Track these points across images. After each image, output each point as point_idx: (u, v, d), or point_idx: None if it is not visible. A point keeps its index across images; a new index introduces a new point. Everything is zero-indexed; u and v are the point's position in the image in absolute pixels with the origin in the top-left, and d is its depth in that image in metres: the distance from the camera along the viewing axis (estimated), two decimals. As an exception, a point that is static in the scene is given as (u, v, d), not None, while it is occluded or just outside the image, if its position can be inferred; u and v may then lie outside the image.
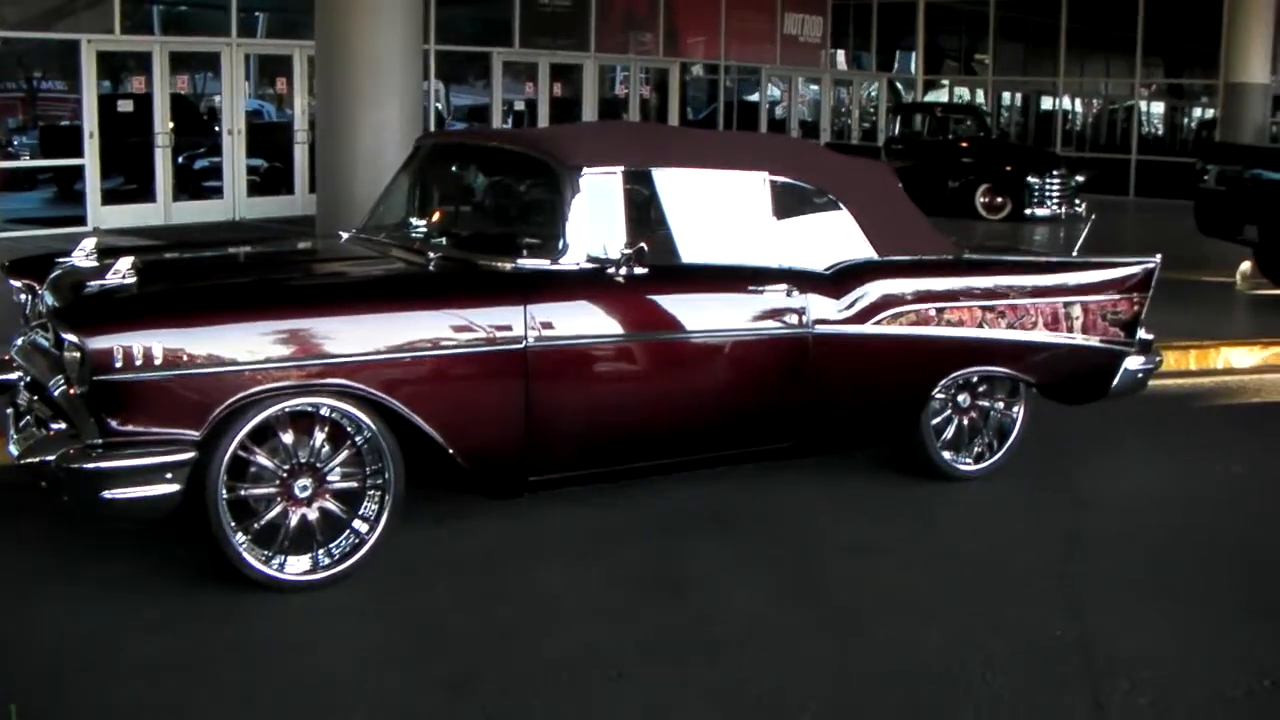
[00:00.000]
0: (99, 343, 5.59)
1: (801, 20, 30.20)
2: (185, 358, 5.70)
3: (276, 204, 20.72)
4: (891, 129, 28.00)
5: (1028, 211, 23.48)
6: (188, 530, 6.08)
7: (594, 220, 6.68)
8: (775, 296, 7.11)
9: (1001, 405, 8.13)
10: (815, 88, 32.27)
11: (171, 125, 19.45)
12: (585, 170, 6.72)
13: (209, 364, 5.75)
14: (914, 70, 34.32)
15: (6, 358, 7.10)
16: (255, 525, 6.01)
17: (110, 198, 18.95)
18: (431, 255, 6.94)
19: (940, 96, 34.57)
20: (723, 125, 28.24)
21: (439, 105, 23.20)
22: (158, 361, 5.64)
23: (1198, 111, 32.78)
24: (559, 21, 24.75)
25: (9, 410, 6.92)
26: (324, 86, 13.18)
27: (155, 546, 6.53)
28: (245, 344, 5.83)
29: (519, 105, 24.82)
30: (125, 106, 19.30)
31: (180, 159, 19.99)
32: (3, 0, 17.60)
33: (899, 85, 34.44)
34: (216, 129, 20.50)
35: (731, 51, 28.40)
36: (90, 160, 18.49)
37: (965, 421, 8.02)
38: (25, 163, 18.99)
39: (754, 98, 30.22)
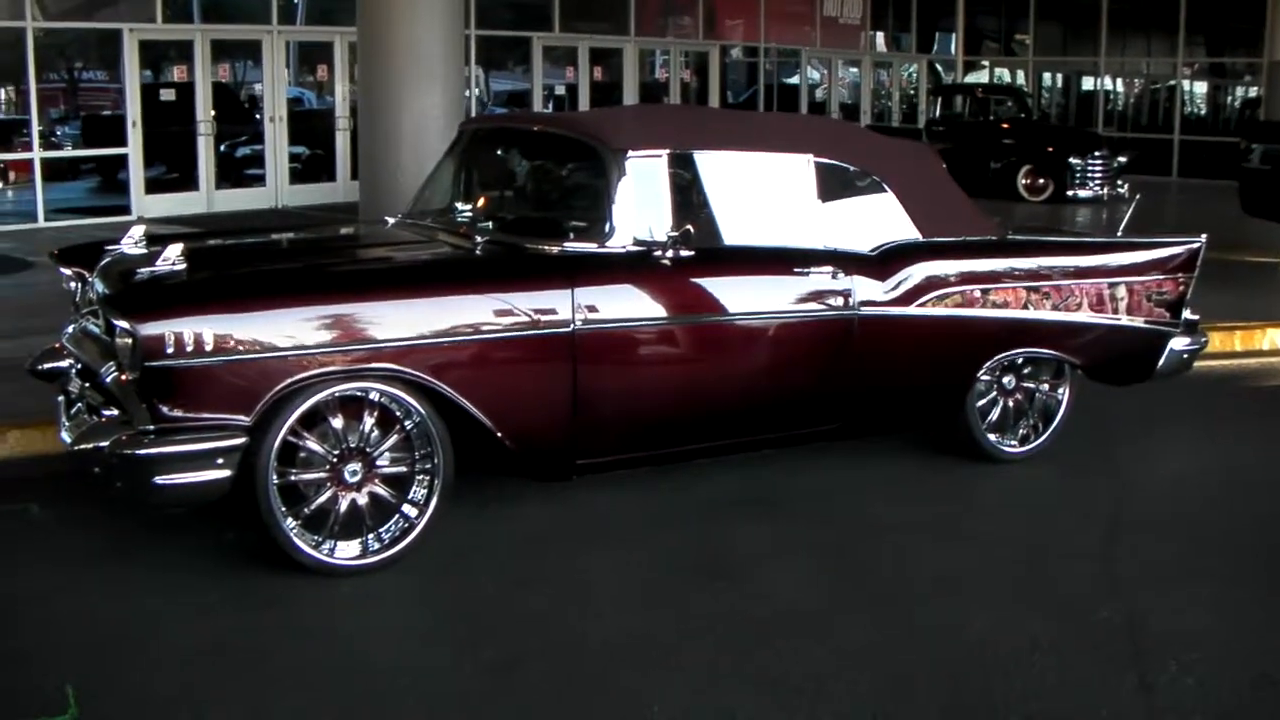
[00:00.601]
0: (150, 329, 5.64)
1: (841, 2, 30.08)
2: (235, 343, 5.74)
3: (318, 191, 20.78)
4: (932, 111, 27.89)
5: (1070, 193, 23.33)
6: (238, 515, 6.14)
7: (640, 203, 6.69)
8: (821, 278, 7.12)
9: (1046, 387, 8.12)
10: (855, 70, 32.16)
11: (213, 113, 19.51)
12: (631, 153, 6.73)
13: (259, 349, 5.79)
14: (954, 51, 34.17)
15: (57, 345, 7.16)
16: (305, 510, 6.06)
17: (153, 186, 19.05)
18: (478, 239, 6.96)
19: (980, 77, 34.42)
20: (763, 108, 28.16)
21: (478, 91, 23.20)
22: (208, 347, 5.68)
23: (1241, 90, 32.52)
24: (598, 6, 24.75)
25: (59, 398, 6.95)
26: (366, 73, 13.27)
27: (206, 532, 6.59)
28: (295, 329, 5.87)
29: (559, 90, 24.84)
30: (167, 95, 19.42)
31: (222, 147, 20.06)
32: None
33: (939, 67, 34.28)
34: (258, 117, 20.57)
35: (771, 34, 28.33)
36: (134, 149, 18.58)
37: (1010, 403, 8.01)
38: (69, 152, 19.14)
39: (794, 80, 30.14)
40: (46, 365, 7.09)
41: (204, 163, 19.56)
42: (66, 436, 6.49)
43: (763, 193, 7.25)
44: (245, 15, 20.25)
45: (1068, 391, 8.14)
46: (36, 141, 17.77)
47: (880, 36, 32.71)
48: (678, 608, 5.91)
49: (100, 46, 19.05)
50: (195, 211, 18.81)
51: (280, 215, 19.21)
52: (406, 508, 6.25)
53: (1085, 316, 7.92)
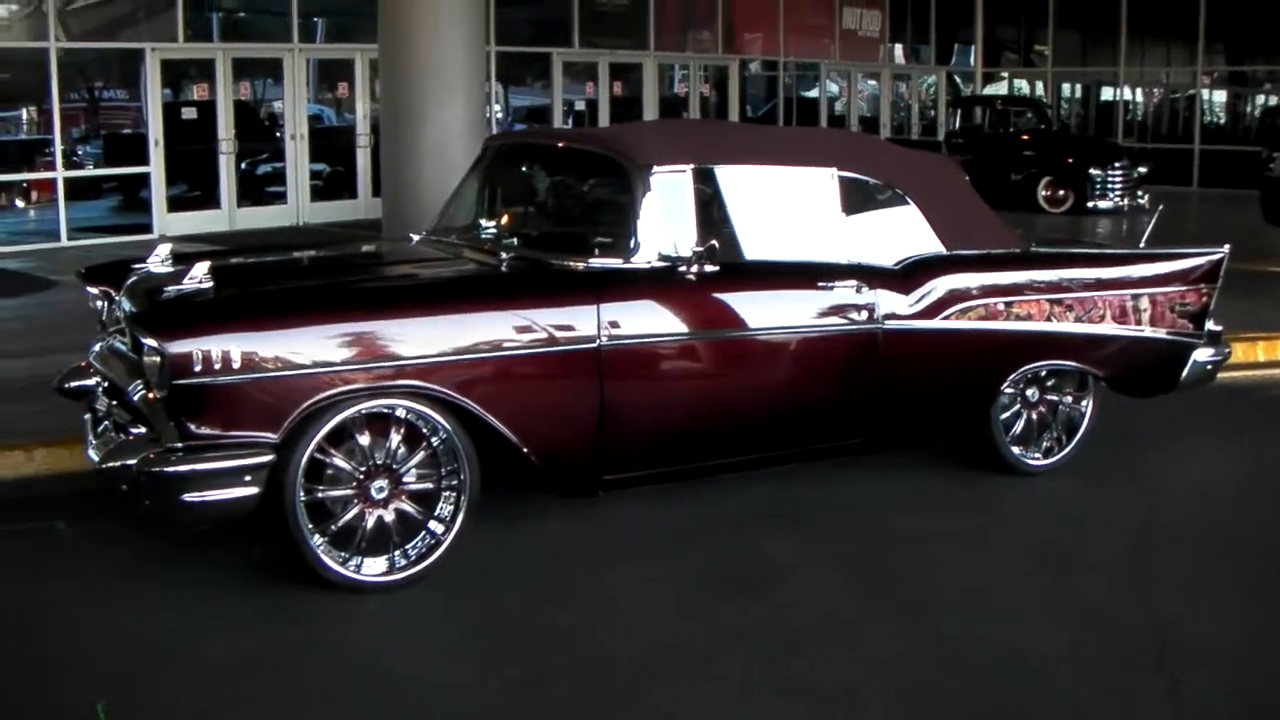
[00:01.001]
0: (178, 347, 5.67)
1: (860, 14, 30.11)
2: (263, 361, 5.77)
3: (339, 208, 20.85)
4: (952, 123, 27.89)
5: (1090, 204, 23.30)
6: (265, 532, 6.16)
7: (665, 219, 6.71)
8: (845, 292, 7.13)
9: (1070, 399, 8.11)
10: (874, 82, 32.18)
11: (234, 131, 19.58)
12: (656, 169, 6.75)
13: (286, 367, 5.81)
14: (973, 63, 34.17)
15: (84, 364, 7.21)
16: (332, 527, 6.08)
17: (175, 205, 19.14)
18: (503, 255, 6.99)
19: (999, 89, 34.42)
20: (782, 121, 28.19)
21: (498, 107, 23.26)
22: (236, 365, 5.71)
23: (1261, 99, 32.47)
24: (618, 21, 24.80)
25: (86, 416, 6.98)
26: (388, 89, 13.31)
27: (232, 548, 6.61)
28: (322, 347, 5.89)
29: (579, 105, 24.88)
30: (189, 114, 19.50)
31: (243, 165, 20.12)
32: (66, 12, 17.78)
33: (958, 78, 34.28)
34: (278, 134, 20.65)
35: (790, 48, 28.37)
36: (156, 168, 18.68)
37: (1034, 416, 8.01)
38: (92, 171, 19.22)
39: (813, 93, 30.15)
40: (73, 383, 7.16)
41: (225, 181, 19.63)
42: (94, 454, 6.50)
43: (786, 207, 7.27)
44: (266, 34, 20.35)
45: (1091, 403, 8.13)
46: (60, 161, 17.85)
47: (899, 49, 32.71)
48: (706, 620, 5.92)
49: (122, 66, 19.15)
50: (217, 230, 18.87)
51: (302, 233, 19.26)
52: (433, 524, 6.27)
53: (1108, 328, 7.91)
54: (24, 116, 19.25)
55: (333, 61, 21.46)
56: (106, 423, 6.73)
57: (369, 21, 19.30)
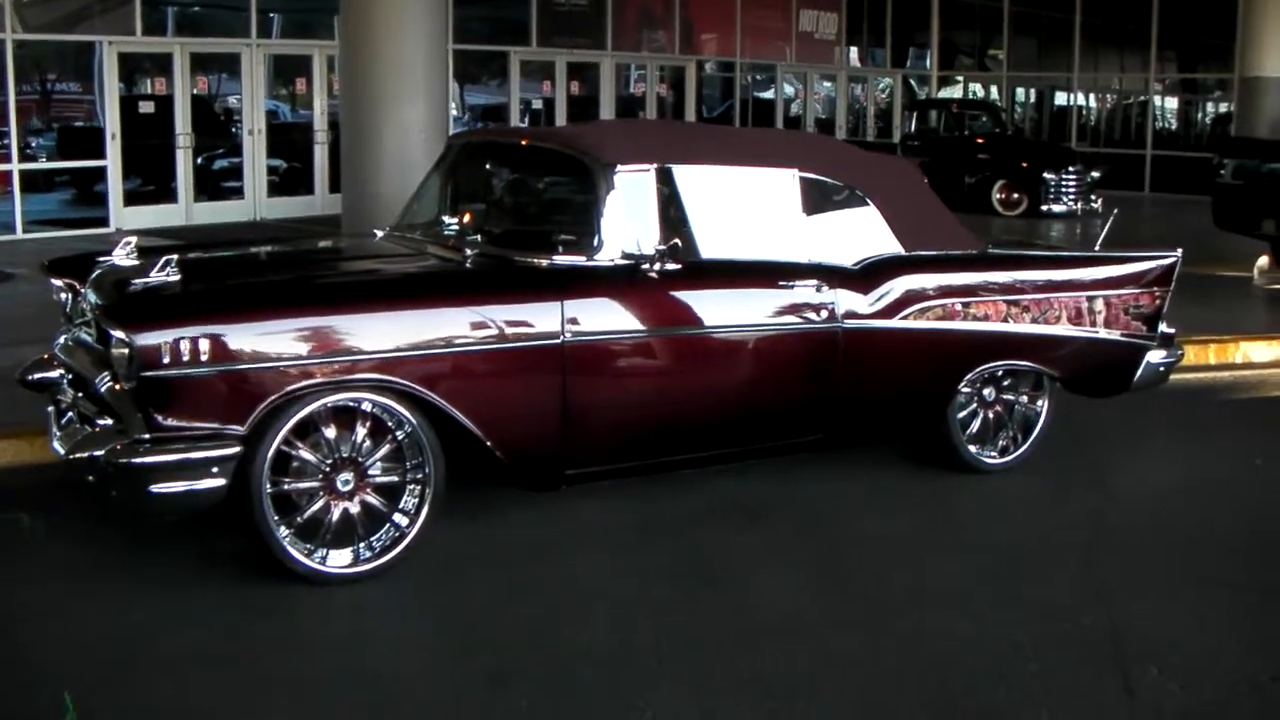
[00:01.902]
0: (147, 339, 5.70)
1: (816, 17, 30.21)
2: (230, 354, 5.81)
3: (296, 204, 20.80)
4: (907, 125, 28.05)
5: (1044, 207, 23.52)
6: (230, 524, 6.19)
7: (628, 217, 6.78)
8: (805, 291, 7.21)
9: (1026, 399, 8.21)
10: (830, 84, 32.30)
11: (191, 126, 19.52)
12: (619, 168, 6.81)
13: (254, 360, 5.85)
14: (929, 66, 34.31)
15: (47, 356, 7.21)
16: (298, 519, 6.12)
17: (132, 199, 19.05)
18: (468, 252, 7.02)
19: (955, 93, 34.62)
20: (739, 122, 28.25)
21: (454, 105, 23.25)
22: (204, 357, 5.74)
23: (1213, 106, 32.77)
24: (575, 20, 24.82)
25: (50, 408, 6.99)
26: (349, 87, 13.30)
27: (198, 540, 6.63)
28: (289, 340, 5.94)
29: (536, 104, 24.90)
30: (146, 108, 19.39)
31: (200, 160, 20.05)
32: (23, 3, 17.70)
33: (913, 82, 34.43)
34: (235, 130, 20.60)
35: (747, 49, 28.43)
36: (112, 162, 18.59)
37: (990, 415, 8.10)
38: (47, 164, 19.06)
39: (769, 95, 30.25)
40: (36, 375, 7.15)
41: (182, 175, 19.56)
42: (59, 446, 6.51)
43: (748, 207, 7.33)
44: (224, 29, 20.30)
45: (1047, 403, 8.24)
46: (15, 153, 17.75)
47: (855, 51, 32.82)
48: (667, 615, 5.98)
49: (78, 58, 19.05)
50: (173, 224, 18.75)
51: (261, 228, 19.22)
52: (398, 517, 6.32)
53: (1064, 330, 8.02)
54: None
55: (290, 57, 21.40)
56: (71, 415, 6.74)
57: (327, 18, 19.39)
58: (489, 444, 6.35)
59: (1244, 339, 12.05)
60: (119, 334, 5.78)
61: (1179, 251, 8.39)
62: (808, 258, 7.33)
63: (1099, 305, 8.11)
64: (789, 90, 30.99)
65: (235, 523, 6.11)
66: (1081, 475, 8.18)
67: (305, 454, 6.10)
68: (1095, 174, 24.38)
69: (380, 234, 7.94)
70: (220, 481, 5.83)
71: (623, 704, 5.16)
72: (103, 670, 5.36)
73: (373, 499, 6.28)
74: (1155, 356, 8.39)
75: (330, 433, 6.13)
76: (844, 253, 7.48)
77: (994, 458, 8.12)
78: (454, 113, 22.55)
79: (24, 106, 18.33)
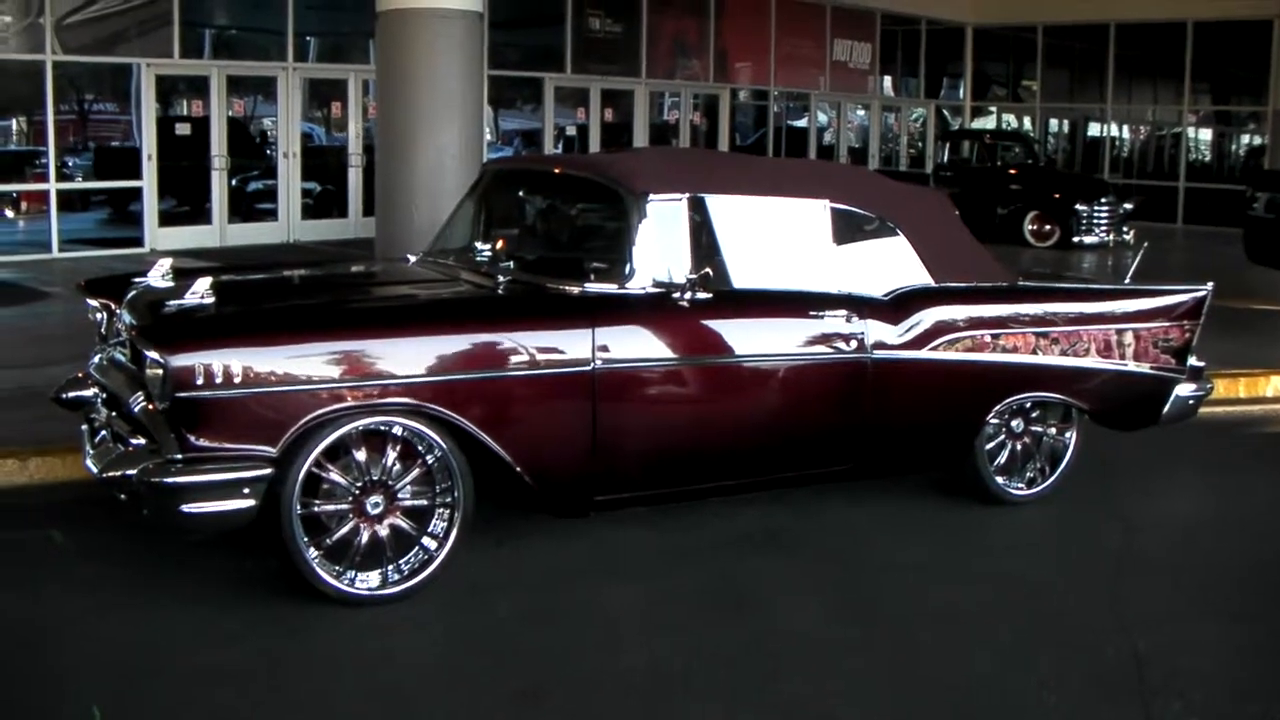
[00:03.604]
0: (181, 360, 5.75)
1: (850, 46, 30.29)
2: (263, 376, 5.86)
3: (330, 227, 20.94)
4: (940, 156, 28.04)
5: (1076, 239, 23.45)
6: (260, 544, 6.24)
7: (659, 245, 6.82)
8: (835, 321, 7.23)
9: (1054, 431, 8.21)
10: (863, 113, 32.35)
11: (227, 148, 19.67)
12: (652, 196, 6.86)
13: (286, 382, 5.91)
14: (962, 96, 34.35)
15: (81, 374, 7.29)
16: (327, 541, 6.16)
17: (166, 220, 19.23)
18: (500, 278, 7.06)
19: (988, 123, 34.61)
20: (771, 151, 28.35)
21: (488, 130, 23.33)
22: (237, 380, 5.80)
23: (1246, 138, 32.70)
24: (610, 47, 24.93)
25: (84, 426, 7.06)
26: (384, 111, 13.37)
27: (228, 560, 6.69)
28: (321, 364, 5.99)
29: (570, 130, 25.00)
30: (182, 129, 19.57)
31: (234, 181, 20.20)
32: (63, 25, 17.86)
33: (946, 112, 34.47)
34: (269, 152, 20.77)
35: (780, 78, 28.53)
36: (148, 182, 18.77)
37: (1018, 446, 8.10)
38: (83, 184, 19.21)
39: (802, 123, 30.33)
40: (71, 394, 7.22)
41: (217, 197, 19.73)
42: (92, 464, 6.58)
43: (779, 237, 7.36)
44: (260, 52, 20.45)
45: (1075, 435, 8.24)
46: (53, 173, 17.91)
47: (888, 81, 32.90)
48: (692, 641, 6.00)
49: (116, 80, 19.22)
50: (208, 245, 18.96)
51: (294, 250, 19.32)
52: (426, 540, 6.36)
53: (1093, 362, 8.02)
54: (14, 127, 19.30)
55: (326, 81, 21.55)
56: (104, 433, 6.79)
57: (363, 41, 19.53)
58: (518, 469, 6.39)
59: (1275, 373, 11.99)
60: (154, 355, 5.83)
61: (1210, 285, 8.39)
62: (838, 288, 7.36)
63: (1128, 338, 8.11)
64: (822, 119, 31.07)
65: (265, 543, 6.16)
66: (1108, 508, 8.18)
67: (335, 476, 6.15)
68: (1128, 206, 24.34)
69: (413, 259, 8.00)
70: (251, 502, 5.88)
71: (647, 729, 5.20)
72: (131, 684, 5.41)
73: (402, 522, 6.31)
74: (1184, 390, 8.39)
75: (361, 456, 6.18)
76: (874, 283, 7.50)
77: (1021, 489, 8.13)
78: (488, 138, 22.65)
79: (62, 127, 18.49)
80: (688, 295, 6.77)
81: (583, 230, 7.94)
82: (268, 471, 5.89)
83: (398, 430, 6.22)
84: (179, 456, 5.82)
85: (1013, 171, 25.77)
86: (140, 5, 18.87)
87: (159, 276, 6.80)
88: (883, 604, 6.58)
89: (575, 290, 6.81)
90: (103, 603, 6.27)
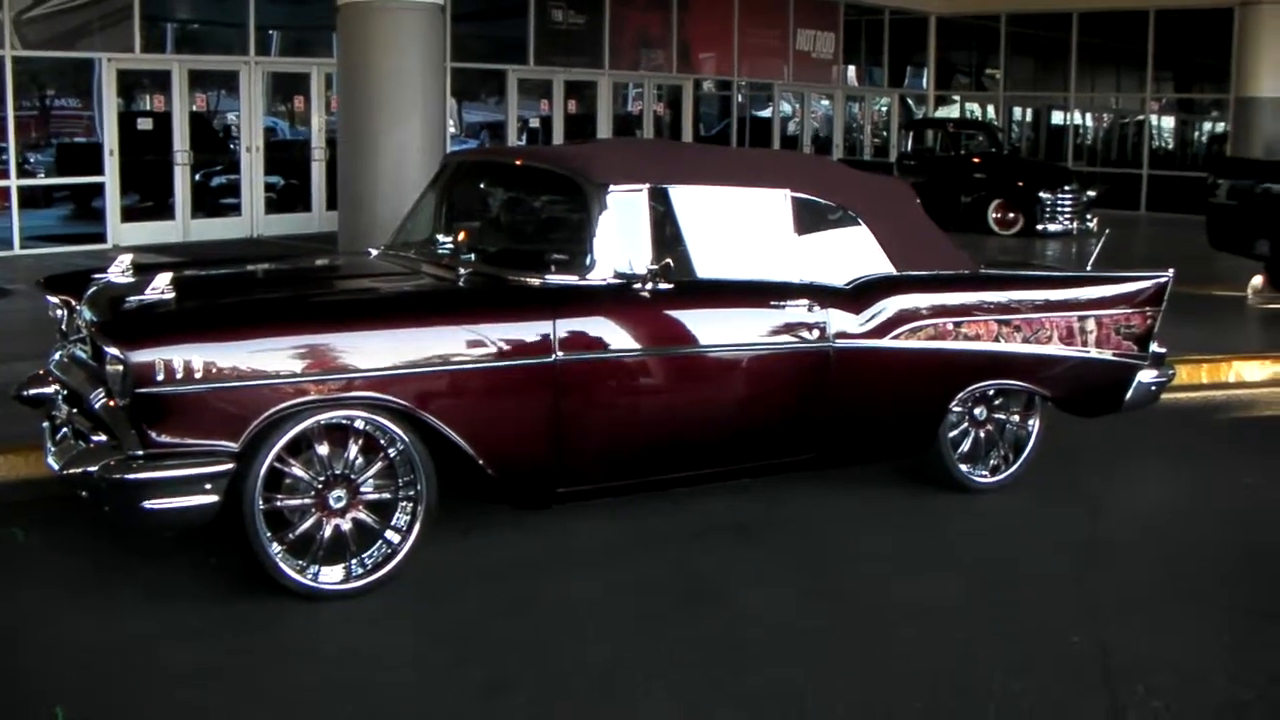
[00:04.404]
0: (141, 356, 5.73)
1: (814, 36, 30.30)
2: (224, 371, 5.84)
3: (293, 221, 20.86)
4: (904, 145, 28.06)
5: (1040, 227, 23.50)
6: (222, 539, 6.23)
7: (621, 236, 6.83)
8: (797, 311, 7.24)
9: (1017, 418, 8.24)
10: (827, 103, 32.38)
11: (189, 143, 19.58)
12: (613, 187, 6.86)
13: (247, 377, 5.88)
14: (925, 86, 34.40)
15: (42, 371, 7.25)
16: (290, 535, 6.15)
17: (129, 215, 19.12)
18: (461, 271, 7.04)
19: (952, 112, 34.67)
20: (735, 141, 28.36)
21: (452, 123, 23.29)
22: (198, 375, 5.78)
23: (1208, 126, 32.83)
24: (573, 39, 24.88)
25: (45, 423, 7.04)
26: (346, 105, 13.36)
27: (191, 556, 6.67)
28: (282, 358, 5.97)
29: (533, 122, 24.96)
30: (144, 124, 19.46)
31: (197, 176, 20.10)
32: (23, 20, 17.75)
33: (910, 101, 34.52)
34: (233, 146, 20.67)
35: (744, 68, 28.52)
36: (110, 178, 18.67)
37: (982, 434, 8.13)
38: (45, 180, 19.07)
39: (766, 113, 30.34)
40: (32, 391, 7.21)
41: (180, 192, 19.63)
42: (53, 462, 6.56)
43: (741, 227, 7.37)
44: (223, 46, 20.37)
45: (1038, 422, 8.27)
46: (13, 169, 17.80)
47: (852, 71, 32.91)
48: (659, 632, 6.01)
49: (77, 75, 19.10)
50: (171, 241, 18.86)
51: (258, 245, 19.28)
52: (390, 534, 6.35)
53: (1055, 349, 8.05)
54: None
55: (288, 75, 21.44)
56: (65, 430, 6.76)
57: (325, 35, 19.43)
58: (481, 462, 6.38)
59: (1237, 358, 12.08)
60: (114, 351, 5.82)
61: (1171, 271, 8.42)
62: (800, 277, 7.37)
63: (1090, 325, 8.13)
64: (786, 109, 31.08)
65: (228, 538, 6.14)
66: (1072, 494, 8.21)
67: (298, 471, 6.13)
68: (1091, 193, 24.42)
69: (375, 252, 7.99)
70: (213, 498, 5.86)
71: (617, 717, 5.20)
72: (95, 684, 5.39)
73: (365, 516, 6.30)
74: (1147, 376, 8.42)
75: (323, 450, 6.16)
76: (836, 272, 7.51)
77: (985, 477, 8.15)
78: (452, 130, 22.60)
79: (23, 122, 18.36)
80: (649, 286, 6.78)
81: (544, 222, 7.94)
82: (230, 467, 5.87)
83: (360, 424, 6.21)
84: (140, 453, 5.80)
85: (976, 160, 25.83)
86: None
87: (119, 272, 6.77)
88: (849, 593, 6.60)
89: (536, 282, 6.81)
90: (65, 601, 6.24)
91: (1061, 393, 8.23)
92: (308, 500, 6.18)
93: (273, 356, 5.96)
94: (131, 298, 6.34)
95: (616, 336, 6.73)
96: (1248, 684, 5.62)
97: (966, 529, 7.64)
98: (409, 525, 6.37)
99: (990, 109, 34.79)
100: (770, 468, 7.55)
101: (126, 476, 5.78)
